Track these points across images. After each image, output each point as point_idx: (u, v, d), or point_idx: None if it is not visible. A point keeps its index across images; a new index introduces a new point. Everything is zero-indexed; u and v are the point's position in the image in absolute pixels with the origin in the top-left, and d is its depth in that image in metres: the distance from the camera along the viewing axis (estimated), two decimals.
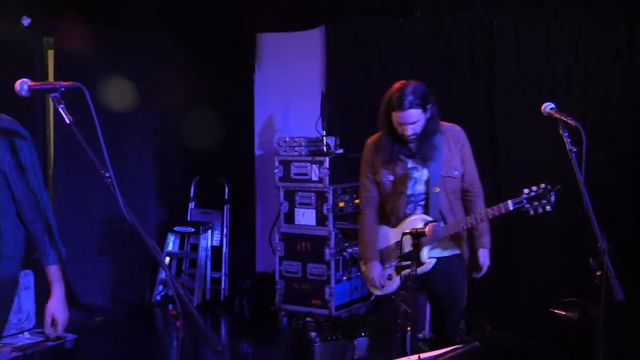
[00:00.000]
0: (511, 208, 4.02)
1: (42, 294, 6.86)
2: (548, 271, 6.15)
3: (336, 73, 7.73)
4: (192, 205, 8.48)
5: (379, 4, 7.25)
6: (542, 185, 3.95)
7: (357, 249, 7.30)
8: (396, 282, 4.41)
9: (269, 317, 7.40)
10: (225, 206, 8.30)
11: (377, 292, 4.54)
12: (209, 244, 8.21)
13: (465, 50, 6.85)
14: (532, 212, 3.98)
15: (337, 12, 7.62)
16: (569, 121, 3.49)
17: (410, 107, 4.15)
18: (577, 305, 5.07)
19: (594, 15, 6.06)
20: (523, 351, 4.33)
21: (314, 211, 7.20)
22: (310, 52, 7.90)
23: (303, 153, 7.24)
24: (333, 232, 7.09)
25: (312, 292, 7.19)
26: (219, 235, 8.28)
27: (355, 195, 7.35)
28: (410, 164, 4.35)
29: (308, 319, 6.95)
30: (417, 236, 4.05)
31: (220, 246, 8.27)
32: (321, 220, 7.15)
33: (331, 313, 7.00)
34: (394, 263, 4.41)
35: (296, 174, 7.26)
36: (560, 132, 3.53)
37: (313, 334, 5.44)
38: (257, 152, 8.29)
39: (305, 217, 7.25)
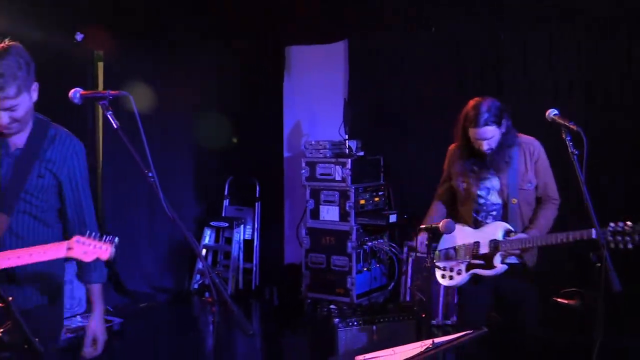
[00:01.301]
0: (593, 236, 3.69)
1: None
2: (552, 263, 6.09)
3: (358, 82, 7.70)
4: (226, 202, 8.50)
5: (396, 20, 7.24)
6: (630, 224, 3.63)
7: (376, 242, 7.31)
8: (464, 278, 4.27)
9: (296, 305, 7.41)
10: (256, 203, 8.31)
11: (444, 283, 4.43)
12: (242, 238, 8.23)
13: (475, 61, 6.83)
14: (612, 246, 3.66)
15: (358, 27, 7.62)
16: (571, 126, 3.46)
17: (486, 125, 4.03)
18: (579, 294, 5.02)
19: (595, 28, 6.01)
20: (528, 336, 4.29)
21: (337, 208, 7.20)
22: (334, 63, 7.89)
23: (327, 155, 7.24)
24: (354, 227, 7.08)
25: (335, 281, 7.18)
26: (251, 230, 8.29)
27: (375, 194, 7.35)
28: (483, 174, 4.24)
29: (332, 306, 6.95)
30: (432, 231, 4.04)
31: (252, 240, 8.28)
32: (344, 216, 7.14)
33: (353, 301, 7.00)
34: (466, 260, 4.28)
35: (321, 174, 7.27)
36: (563, 136, 3.51)
37: (336, 320, 5.42)
38: (286, 154, 8.29)
39: (329, 213, 7.25)
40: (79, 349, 5.67)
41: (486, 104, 4.06)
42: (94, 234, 2.88)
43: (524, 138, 4.25)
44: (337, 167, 7.16)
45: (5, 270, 2.85)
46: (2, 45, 2.92)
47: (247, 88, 8.32)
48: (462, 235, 4.30)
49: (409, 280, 6.90)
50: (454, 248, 4.35)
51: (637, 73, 5.84)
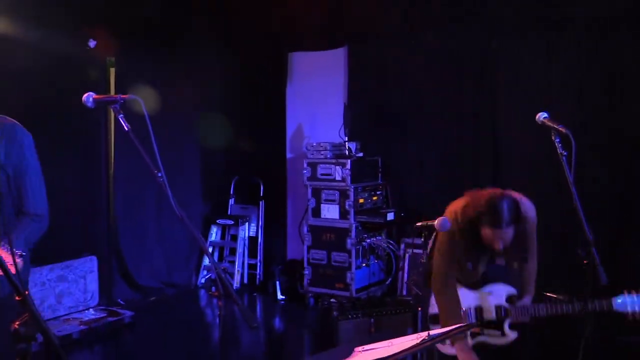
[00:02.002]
0: (614, 308, 3.60)
1: (104, 276, 6.97)
2: (542, 259, 6.09)
3: (357, 87, 7.70)
4: (232, 201, 8.51)
5: (394, 27, 7.23)
6: None
7: (374, 239, 7.30)
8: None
9: (298, 299, 7.42)
10: (260, 202, 8.31)
11: (445, 351, 3.90)
12: (247, 235, 8.23)
13: (470, 66, 6.82)
14: (630, 318, 3.60)
15: (357, 34, 7.61)
16: (560, 129, 3.45)
17: (507, 227, 3.62)
18: (566, 289, 5.01)
19: (585, 35, 6.00)
20: (519, 328, 4.27)
21: (337, 206, 7.19)
22: (334, 69, 7.88)
23: (328, 156, 7.24)
24: (354, 225, 7.08)
25: (335, 276, 7.18)
26: (255, 227, 8.30)
27: (373, 193, 7.35)
28: (494, 257, 3.89)
29: (332, 300, 6.96)
30: (427, 229, 4.03)
31: (256, 237, 8.28)
32: (343, 214, 7.14)
33: (352, 295, 7.00)
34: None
35: (322, 174, 7.26)
36: (553, 138, 3.50)
37: (336, 313, 5.42)
38: (288, 155, 8.29)
39: (330, 211, 7.24)
40: (91, 340, 5.69)
41: (506, 204, 3.62)
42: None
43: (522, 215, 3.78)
44: (337, 167, 7.16)
45: None
46: None
47: (252, 92, 8.32)
48: (462, 297, 3.93)
49: (405, 275, 6.89)
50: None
51: (626, 78, 5.82)
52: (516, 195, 3.81)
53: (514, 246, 3.77)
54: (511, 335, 3.83)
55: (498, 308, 3.88)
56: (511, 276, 3.94)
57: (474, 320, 3.90)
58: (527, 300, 3.91)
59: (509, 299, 3.90)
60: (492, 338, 3.87)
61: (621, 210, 5.74)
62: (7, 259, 2.70)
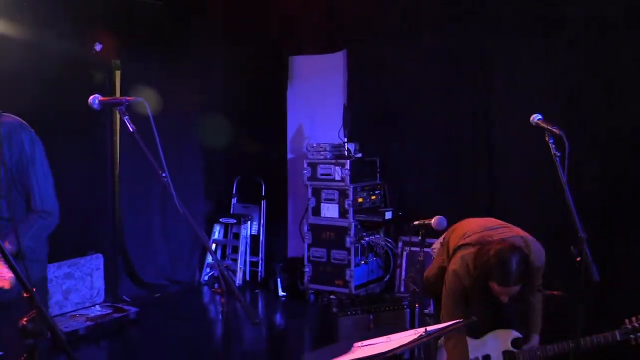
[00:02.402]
0: (618, 339, 3.60)
1: (110, 274, 6.97)
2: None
3: (356, 89, 7.70)
4: (234, 200, 8.50)
5: (392, 27, 7.20)
6: None
7: (372, 238, 7.30)
8: None
9: (299, 295, 7.41)
10: (262, 201, 8.31)
11: None
12: (249, 233, 8.23)
13: (469, 65, 6.79)
14: (633, 342, 3.59)
15: (356, 38, 7.60)
16: (554, 130, 3.45)
17: (515, 284, 3.54)
18: (562, 286, 5.01)
19: (577, 39, 5.98)
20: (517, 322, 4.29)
21: (337, 205, 7.19)
22: (334, 71, 7.88)
23: (328, 157, 7.24)
24: (353, 224, 7.08)
25: (335, 274, 7.18)
26: (257, 226, 8.29)
27: (371, 193, 7.35)
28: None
29: (332, 296, 6.95)
30: (425, 227, 4.03)
31: (258, 235, 8.28)
32: (343, 213, 7.14)
33: (351, 291, 6.99)
34: None
35: (322, 174, 7.26)
36: (547, 139, 3.49)
37: (336, 310, 5.42)
38: (289, 155, 8.29)
39: (330, 210, 7.24)
40: (97, 336, 5.68)
41: (515, 261, 3.50)
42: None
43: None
44: (337, 167, 7.16)
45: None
46: None
47: (254, 94, 8.32)
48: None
49: (403, 272, 6.89)
50: None
51: (624, 78, 5.78)
52: (523, 241, 3.74)
53: (521, 291, 3.68)
54: None
55: (505, 354, 3.85)
56: (514, 317, 3.92)
57: None
58: (534, 341, 3.86)
59: (514, 342, 3.86)
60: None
61: (620, 209, 5.72)
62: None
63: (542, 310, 3.98)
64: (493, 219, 4.19)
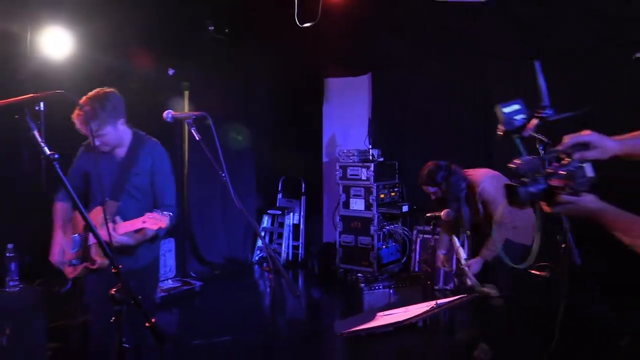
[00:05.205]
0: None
1: (180, 254, 7.04)
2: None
3: (379, 105, 7.68)
4: (280, 196, 8.53)
5: (407, 58, 7.18)
6: None
7: (392, 227, 7.26)
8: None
9: (331, 273, 7.41)
10: (302, 197, 8.33)
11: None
12: (291, 222, 8.25)
13: (469, 86, 6.76)
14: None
15: (379, 64, 7.60)
16: (542, 138, 3.38)
17: (423, 184, 4.15)
18: (548, 267, 4.92)
19: (565, 61, 5.87)
20: (507, 299, 4.21)
21: (363, 200, 7.18)
22: (361, 91, 7.87)
23: (355, 160, 7.23)
24: (376, 215, 7.06)
25: (361, 256, 7.17)
26: (298, 216, 8.31)
27: (391, 190, 7.32)
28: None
29: (359, 274, 6.94)
30: (435, 219, 4.00)
31: (299, 224, 8.30)
32: (368, 206, 7.13)
33: (375, 270, 6.97)
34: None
35: (351, 175, 7.25)
36: (537, 146, 3.43)
37: (362, 285, 5.40)
38: (324, 159, 8.30)
39: (357, 204, 7.23)
40: (170, 304, 5.74)
41: (427, 168, 4.14)
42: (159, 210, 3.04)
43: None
44: (363, 169, 7.14)
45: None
46: (102, 90, 3.14)
47: (296, 110, 8.33)
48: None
49: (417, 255, 6.85)
50: None
51: (591, 98, 5.67)
52: (482, 174, 4.13)
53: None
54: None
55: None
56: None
57: None
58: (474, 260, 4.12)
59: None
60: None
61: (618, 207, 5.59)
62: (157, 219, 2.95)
63: (494, 240, 4.15)
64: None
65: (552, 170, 1.72)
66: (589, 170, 1.72)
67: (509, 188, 1.68)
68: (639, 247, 1.67)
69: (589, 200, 1.69)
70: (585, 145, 1.84)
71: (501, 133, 1.80)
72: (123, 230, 3.04)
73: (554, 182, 1.68)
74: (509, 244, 4.28)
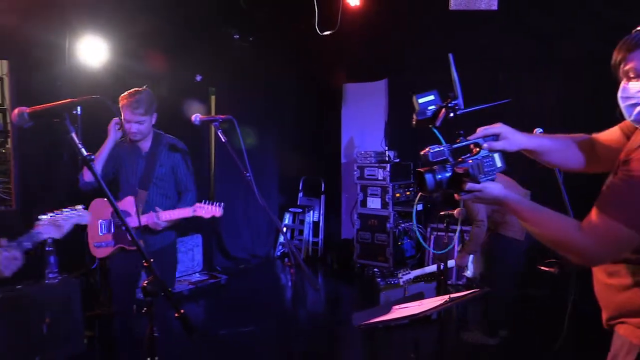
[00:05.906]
0: None
1: (207, 249, 7.08)
2: (536, 240, 5.93)
3: (395, 109, 7.65)
4: (300, 194, 8.54)
5: (420, 65, 7.14)
6: None
7: (407, 224, 7.23)
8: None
9: (350, 268, 7.40)
10: (322, 195, 8.33)
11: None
12: (311, 220, 8.26)
13: (480, 94, 6.68)
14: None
15: (395, 70, 7.57)
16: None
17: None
18: (557, 263, 4.86)
19: (569, 70, 5.81)
20: (519, 295, 4.18)
21: (379, 199, 7.16)
22: (377, 95, 7.84)
23: (372, 161, 7.21)
24: (392, 213, 7.03)
25: (377, 252, 7.15)
26: (318, 214, 8.31)
27: (406, 189, 7.29)
28: None
29: (375, 269, 6.92)
30: (449, 217, 3.98)
31: (318, 221, 8.29)
32: (384, 205, 7.10)
33: (390, 266, 6.95)
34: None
35: (368, 175, 7.23)
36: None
37: (378, 279, 5.38)
38: (343, 160, 8.28)
39: (374, 203, 7.21)
40: (197, 296, 5.77)
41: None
42: (205, 201, 3.41)
43: None
44: (380, 170, 7.12)
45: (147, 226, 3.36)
46: (141, 88, 3.42)
47: (317, 113, 8.35)
48: None
49: (431, 252, 6.81)
50: None
51: (599, 105, 5.59)
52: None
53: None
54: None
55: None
56: None
57: None
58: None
59: None
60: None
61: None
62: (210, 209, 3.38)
63: (473, 238, 4.26)
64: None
65: (461, 159, 1.72)
66: (498, 160, 1.74)
67: (418, 175, 1.68)
68: (538, 235, 1.67)
69: (494, 188, 1.70)
70: (496, 137, 1.85)
71: (415, 122, 1.79)
72: (168, 217, 3.33)
73: (459, 170, 1.68)
74: (500, 238, 4.25)
